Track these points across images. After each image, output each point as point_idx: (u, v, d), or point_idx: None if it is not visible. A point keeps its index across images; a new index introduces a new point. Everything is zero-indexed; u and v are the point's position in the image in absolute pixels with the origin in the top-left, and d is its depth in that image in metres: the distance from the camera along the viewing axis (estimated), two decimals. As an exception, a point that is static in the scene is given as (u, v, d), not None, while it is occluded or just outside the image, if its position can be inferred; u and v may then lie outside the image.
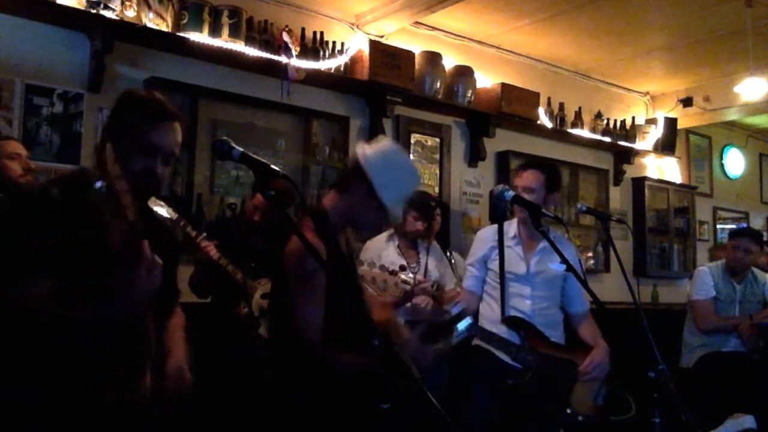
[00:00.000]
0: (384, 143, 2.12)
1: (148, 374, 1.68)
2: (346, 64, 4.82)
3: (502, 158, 5.86)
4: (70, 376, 1.54)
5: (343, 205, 2.07)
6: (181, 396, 1.80)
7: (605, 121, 6.61)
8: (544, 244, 3.00)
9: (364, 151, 2.06)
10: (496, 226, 3.20)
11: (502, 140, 5.80)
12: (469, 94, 5.45)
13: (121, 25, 3.80)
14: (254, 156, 1.57)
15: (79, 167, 1.71)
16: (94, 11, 3.69)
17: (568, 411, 2.81)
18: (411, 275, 3.52)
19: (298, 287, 1.92)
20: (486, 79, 5.69)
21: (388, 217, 2.07)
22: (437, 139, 5.49)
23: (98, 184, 1.38)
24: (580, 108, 6.40)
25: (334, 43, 4.78)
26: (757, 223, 8.31)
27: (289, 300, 1.95)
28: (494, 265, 3.07)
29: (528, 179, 2.96)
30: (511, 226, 3.13)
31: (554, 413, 2.84)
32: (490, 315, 3.08)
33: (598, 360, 2.88)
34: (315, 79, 4.63)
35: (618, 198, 6.84)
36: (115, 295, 1.44)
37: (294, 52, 4.40)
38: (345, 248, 2.16)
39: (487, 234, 3.20)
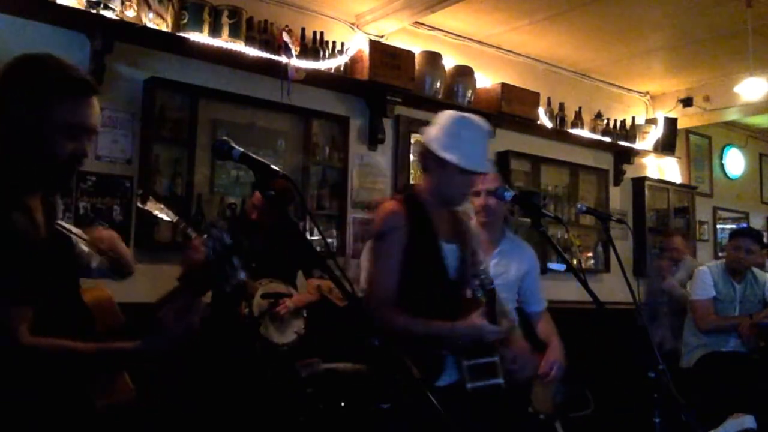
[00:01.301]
0: (438, 115, 2.25)
1: (126, 377, 1.68)
2: (346, 64, 4.82)
3: (502, 158, 5.84)
4: (69, 378, 1.53)
5: (430, 185, 2.23)
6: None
7: (605, 121, 6.61)
8: (502, 246, 2.95)
9: (425, 130, 2.23)
10: None
11: (502, 140, 5.78)
12: (469, 94, 5.44)
13: (121, 25, 3.80)
14: (254, 156, 1.56)
15: None
16: (94, 11, 3.69)
17: (529, 410, 2.80)
18: None
19: (375, 243, 2.08)
20: (486, 79, 5.69)
21: (471, 176, 2.20)
22: (437, 139, 5.48)
23: None
24: (580, 108, 6.40)
25: (334, 43, 4.78)
26: (757, 223, 8.30)
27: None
28: None
29: (494, 180, 2.82)
30: None
31: (515, 413, 2.82)
32: None
33: (553, 359, 2.86)
34: (315, 79, 4.63)
35: (618, 198, 6.84)
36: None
37: (294, 52, 4.40)
38: (454, 231, 2.26)
39: None
